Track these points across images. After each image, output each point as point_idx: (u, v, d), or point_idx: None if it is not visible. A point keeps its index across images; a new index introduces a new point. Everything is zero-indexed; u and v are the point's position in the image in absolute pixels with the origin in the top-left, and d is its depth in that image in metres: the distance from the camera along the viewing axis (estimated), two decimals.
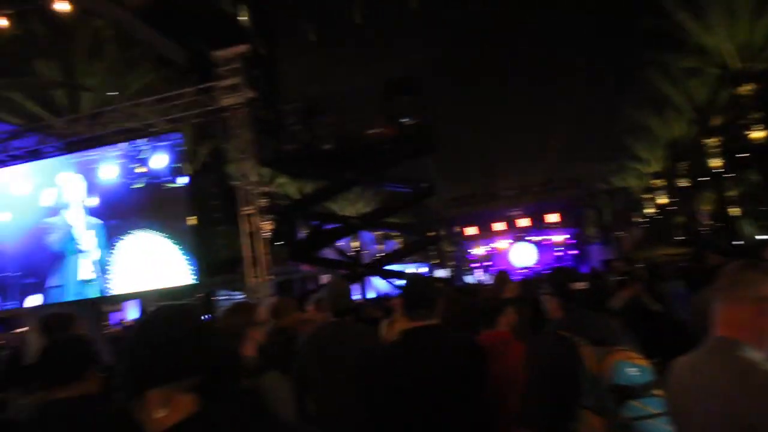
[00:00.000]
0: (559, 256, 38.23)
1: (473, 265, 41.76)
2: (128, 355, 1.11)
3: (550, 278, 2.75)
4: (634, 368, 1.94)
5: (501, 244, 39.44)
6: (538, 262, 37.16)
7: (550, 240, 39.40)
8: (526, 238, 39.39)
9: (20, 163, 12.83)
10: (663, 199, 28.40)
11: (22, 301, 12.45)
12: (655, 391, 1.89)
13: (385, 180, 14.96)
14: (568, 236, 38.78)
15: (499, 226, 37.76)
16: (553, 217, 36.49)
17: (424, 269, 28.58)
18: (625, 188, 32.86)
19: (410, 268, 24.78)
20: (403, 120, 12.27)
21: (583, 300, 2.59)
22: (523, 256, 38.29)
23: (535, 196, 37.02)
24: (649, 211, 31.33)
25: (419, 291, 2.67)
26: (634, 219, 31.58)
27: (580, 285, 2.62)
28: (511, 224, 37.66)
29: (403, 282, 14.70)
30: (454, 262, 39.12)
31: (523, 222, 37.46)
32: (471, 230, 38.75)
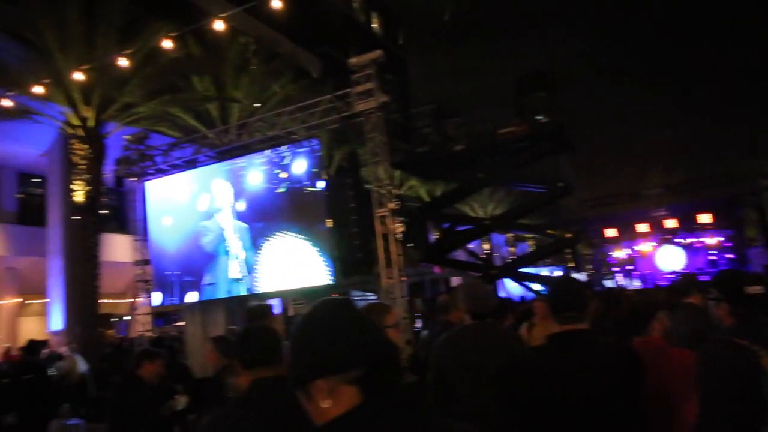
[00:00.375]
0: (712, 260, 34.86)
1: (613, 268, 39.29)
2: (295, 346, 1.14)
3: (719, 282, 2.46)
4: None
5: (645, 246, 36.65)
6: (687, 267, 34.11)
7: (701, 242, 35.98)
8: (674, 240, 36.28)
9: (179, 171, 14.18)
10: None
11: (181, 298, 13.74)
12: None
13: (517, 180, 14.52)
14: (723, 239, 35.16)
15: (642, 227, 35.02)
16: (704, 218, 33.22)
17: (558, 273, 27.45)
18: None
19: (544, 272, 23.93)
20: (538, 117, 11.83)
21: (758, 306, 2.29)
22: (670, 259, 35.27)
23: (683, 195, 34.02)
24: None
25: (570, 293, 2.51)
26: None
27: (756, 289, 2.31)
28: (656, 225, 34.79)
29: (542, 285, 14.17)
30: (591, 266, 37.11)
31: (670, 223, 34.49)
32: (611, 232, 36.34)
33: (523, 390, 2.45)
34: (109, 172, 13.96)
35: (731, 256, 33.85)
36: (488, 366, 2.80)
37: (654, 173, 35.22)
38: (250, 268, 12.67)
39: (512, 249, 32.76)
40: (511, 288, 20.16)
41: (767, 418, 1.82)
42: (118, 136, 14.06)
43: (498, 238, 32.75)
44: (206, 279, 13.28)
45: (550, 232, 19.00)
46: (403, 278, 11.35)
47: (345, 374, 1.07)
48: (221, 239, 13.14)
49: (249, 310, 3.89)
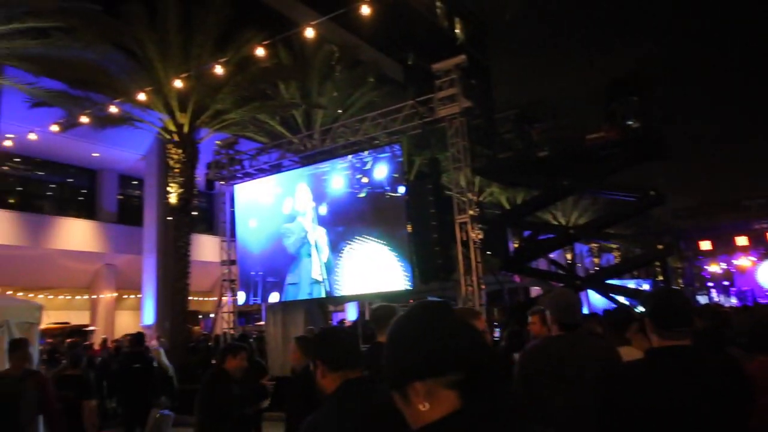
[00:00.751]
0: None
1: (708, 284, 36.89)
2: (393, 346, 1.13)
3: None
4: None
5: (744, 261, 34.21)
6: None
7: None
8: None
9: (265, 175, 14.70)
10: None
11: (264, 298, 14.21)
12: None
13: (605, 187, 13.93)
14: None
15: (741, 240, 32.75)
16: None
17: (646, 286, 26.15)
18: None
19: (630, 284, 22.83)
20: (629, 122, 11.31)
21: None
22: None
23: None
24: None
25: (675, 306, 2.36)
26: None
27: None
28: (757, 238, 32.44)
29: (629, 298, 13.52)
30: (683, 281, 35.10)
31: None
32: (705, 244, 34.23)
33: (623, 403, 2.33)
34: (200, 175, 14.69)
35: None
36: (582, 377, 2.69)
37: (755, 181, 32.83)
38: (330, 271, 12.92)
39: (596, 260, 31.53)
40: (594, 300, 19.37)
41: None
42: (210, 141, 14.76)
43: (581, 247, 31.63)
44: (289, 279, 13.66)
45: (637, 242, 18.13)
46: (482, 286, 11.19)
47: (444, 377, 1.04)
48: (304, 242, 13.48)
49: (374, 312, 3.91)
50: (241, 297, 14.70)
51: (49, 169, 20.84)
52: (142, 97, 11.94)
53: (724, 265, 35.42)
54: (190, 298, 14.43)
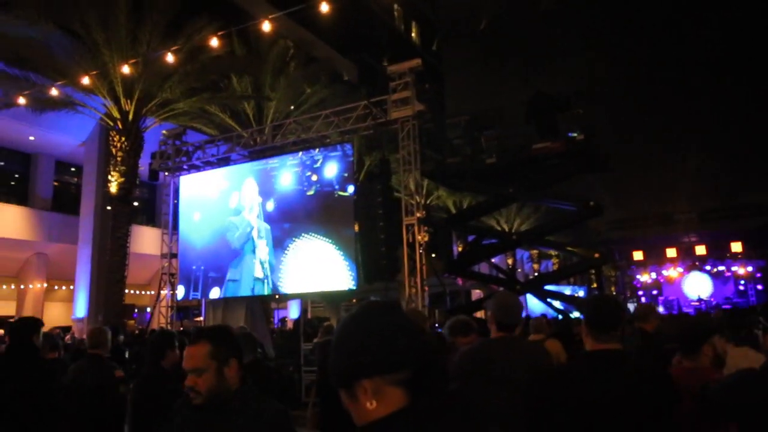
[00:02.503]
0: (740, 291, 34.12)
1: (639, 292, 38.68)
2: (342, 344, 1.12)
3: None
4: None
5: (672, 272, 36.03)
6: (714, 295, 33.43)
7: (730, 272, 35.27)
8: (703, 267, 35.62)
9: (212, 168, 14.40)
10: None
11: (205, 293, 13.91)
12: None
13: (548, 196, 14.39)
14: (753, 269, 34.42)
15: (671, 252, 34.47)
16: (735, 247, 32.56)
17: (581, 293, 27.13)
18: None
19: (566, 291, 23.64)
20: (573, 135, 11.74)
21: None
22: (697, 287, 34.64)
23: (714, 222, 33.42)
24: None
25: (608, 312, 2.51)
26: None
27: None
28: (685, 251, 34.23)
29: (565, 303, 13.99)
30: (615, 288, 36.61)
31: (699, 250, 33.89)
32: (638, 255, 35.82)
33: (550, 405, 2.44)
34: (143, 165, 14.24)
35: (760, 287, 33.13)
36: (514, 379, 2.78)
37: (685, 198, 34.64)
38: (274, 268, 12.79)
39: (536, 266, 32.47)
40: (532, 305, 19.96)
41: None
42: (155, 131, 14.34)
43: (522, 253, 32.51)
44: (230, 275, 13.42)
45: (575, 250, 18.79)
46: (425, 288, 11.35)
47: (392, 375, 1.04)
48: (248, 237, 13.29)
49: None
50: (181, 291, 14.33)
51: None
52: (85, 81, 11.50)
53: (654, 275, 37.16)
54: (126, 291, 13.98)
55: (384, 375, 1.05)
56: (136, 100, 13.02)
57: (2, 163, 20.66)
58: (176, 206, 14.67)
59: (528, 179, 13.26)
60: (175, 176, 14.83)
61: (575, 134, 11.71)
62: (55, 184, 21.55)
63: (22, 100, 11.90)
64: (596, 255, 13.86)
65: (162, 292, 14.89)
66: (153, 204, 22.98)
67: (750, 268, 34.41)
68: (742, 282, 34.55)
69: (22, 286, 19.77)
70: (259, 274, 12.97)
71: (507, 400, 2.76)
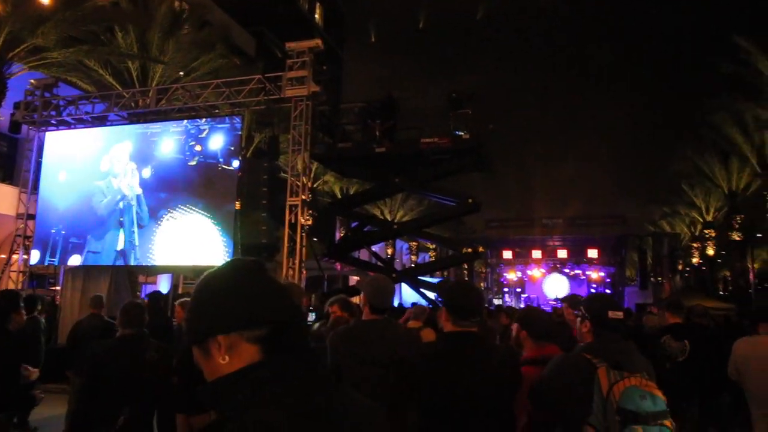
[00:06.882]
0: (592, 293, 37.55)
1: (504, 289, 41.34)
2: (198, 300, 1.11)
3: (588, 304, 2.72)
4: (646, 396, 2.00)
5: (536, 272, 38.91)
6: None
7: (585, 275, 38.76)
8: (563, 270, 38.82)
9: (84, 127, 13.33)
10: (711, 251, 27.39)
11: (64, 260, 12.84)
12: (665, 422, 1.96)
13: (431, 190, 14.89)
14: (604, 274, 38.07)
15: (536, 253, 37.19)
16: (592, 253, 35.74)
17: None
18: (674, 233, 31.82)
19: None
20: (460, 133, 12.22)
21: (617, 329, 2.58)
22: (555, 287, 37.71)
23: (578, 228, 36.40)
24: (695, 260, 30.34)
25: (468, 296, 2.70)
26: (678, 267, 30.53)
27: (617, 314, 2.60)
28: (548, 254, 37.09)
29: (437, 294, 14.58)
30: (484, 284, 38.77)
31: (561, 253, 36.86)
32: (507, 254, 38.29)
33: (416, 382, 2.61)
34: (4, 115, 12.86)
35: (609, 291, 36.63)
36: (382, 361, 2.89)
37: (555, 204, 37.35)
38: (144, 238, 12.10)
39: (414, 257, 33.49)
40: (405, 294, 20.60)
41: (589, 419, 2.09)
42: (22, 78, 13.00)
43: (402, 244, 33.41)
44: (92, 246, 12.51)
45: (451, 243, 19.67)
46: (304, 271, 11.35)
47: (249, 332, 1.04)
48: (116, 205, 12.47)
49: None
50: (35, 256, 13.12)
51: None
52: None
53: (519, 274, 39.89)
54: None
55: (241, 331, 1.04)
56: (1, 42, 11.72)
57: None
58: (39, 164, 13.42)
59: (415, 172, 13.65)
60: (40, 131, 13.55)
61: (462, 132, 12.21)
62: None
63: None
64: (469, 250, 14.56)
65: (14, 255, 13.58)
66: (13, 159, 20.83)
67: (602, 273, 38.02)
68: (594, 285, 38.07)
69: None
70: (125, 245, 12.21)
71: (381, 381, 2.85)
